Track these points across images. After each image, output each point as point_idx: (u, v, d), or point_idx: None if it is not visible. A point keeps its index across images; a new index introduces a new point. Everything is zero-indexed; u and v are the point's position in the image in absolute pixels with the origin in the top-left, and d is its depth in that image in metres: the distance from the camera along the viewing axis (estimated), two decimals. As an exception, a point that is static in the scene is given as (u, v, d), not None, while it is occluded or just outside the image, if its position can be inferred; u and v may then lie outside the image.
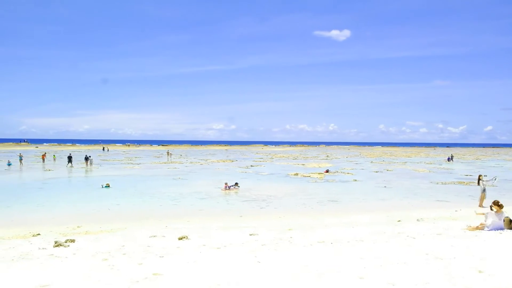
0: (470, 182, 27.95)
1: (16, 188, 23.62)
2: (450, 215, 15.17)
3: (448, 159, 59.34)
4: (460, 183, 28.02)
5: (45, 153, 56.30)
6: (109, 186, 23.71)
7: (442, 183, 27.97)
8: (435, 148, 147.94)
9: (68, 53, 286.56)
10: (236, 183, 23.75)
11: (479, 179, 18.32)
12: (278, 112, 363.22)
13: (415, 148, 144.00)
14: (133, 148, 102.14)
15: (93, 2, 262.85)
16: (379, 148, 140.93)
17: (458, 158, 67.00)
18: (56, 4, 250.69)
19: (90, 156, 45.21)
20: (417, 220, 13.86)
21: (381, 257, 7.92)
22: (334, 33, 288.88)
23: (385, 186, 25.87)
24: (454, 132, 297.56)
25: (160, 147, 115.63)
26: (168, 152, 66.86)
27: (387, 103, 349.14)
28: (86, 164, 42.68)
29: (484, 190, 17.86)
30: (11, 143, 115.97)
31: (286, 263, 7.62)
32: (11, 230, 12.35)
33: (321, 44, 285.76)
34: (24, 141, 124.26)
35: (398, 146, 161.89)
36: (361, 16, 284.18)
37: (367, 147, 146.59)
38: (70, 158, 43.46)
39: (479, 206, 17.35)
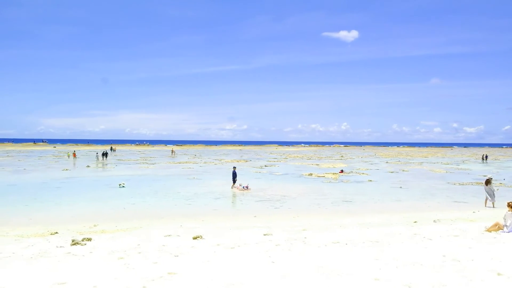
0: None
1: (34, 187, 24.09)
2: (468, 217, 14.90)
3: (483, 159, 58.74)
4: (478, 184, 27.48)
5: (74, 151, 63.84)
6: (124, 186, 24.01)
7: (459, 184, 27.50)
8: (452, 148, 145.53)
9: (84, 53, 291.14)
10: (247, 186, 23.72)
11: (488, 182, 18.28)
12: (291, 112, 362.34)
13: (432, 148, 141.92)
14: (143, 148, 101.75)
15: (109, 3, 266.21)
16: (395, 148, 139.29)
17: (476, 159, 65.78)
18: (74, 5, 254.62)
19: (107, 152, 54.32)
20: (434, 221, 13.65)
21: (396, 258, 7.83)
22: (344, 33, 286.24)
23: (400, 187, 25.56)
24: (470, 132, 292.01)
25: (175, 147, 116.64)
26: (172, 151, 67.99)
27: (399, 103, 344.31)
28: (103, 158, 50.45)
29: (493, 194, 18.03)
30: (30, 143, 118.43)
31: (300, 263, 7.59)
32: (30, 229, 12.61)
33: (335, 43, 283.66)
34: (42, 141, 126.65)
35: (414, 146, 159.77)
36: (374, 15, 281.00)
37: (382, 147, 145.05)
38: (106, 154, 53.89)
39: (487, 206, 17.90)
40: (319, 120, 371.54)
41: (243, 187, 23.37)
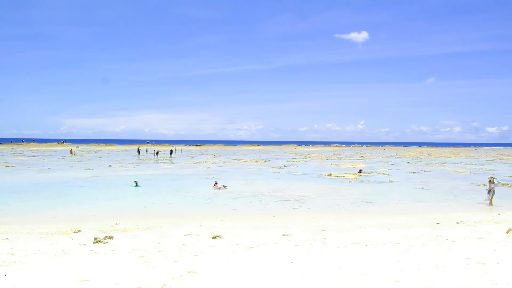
0: (514, 184, 26.65)
1: (58, 186, 24.68)
2: (493, 218, 14.50)
3: None
4: (503, 185, 26.72)
5: (139, 147, 75.22)
6: (137, 184, 24.12)
7: (483, 185, 26.76)
8: (476, 148, 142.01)
9: (106, 55, 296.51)
10: (224, 186, 23.97)
11: (491, 181, 18.68)
12: (307, 111, 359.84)
13: (454, 148, 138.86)
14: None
15: (130, 4, 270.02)
16: (416, 148, 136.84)
17: (502, 159, 63.98)
18: (94, 6, 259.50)
19: (172, 150, 67.08)
20: (457, 223, 13.34)
21: (418, 260, 7.69)
22: (363, 33, 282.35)
23: (422, 188, 25.09)
24: (491, 132, 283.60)
25: (194, 147, 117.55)
26: (173, 150, 68.75)
27: (416, 102, 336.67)
28: (170, 155, 62.07)
29: (493, 192, 18.45)
30: (54, 143, 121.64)
31: (319, 264, 7.55)
32: (54, 226, 12.93)
33: (352, 42, 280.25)
34: (63, 142, 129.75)
35: (436, 146, 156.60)
36: (392, 13, 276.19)
37: (403, 147, 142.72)
38: (171, 152, 66.01)
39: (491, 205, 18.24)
40: (335, 119, 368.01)
41: (222, 185, 23.68)
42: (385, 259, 7.87)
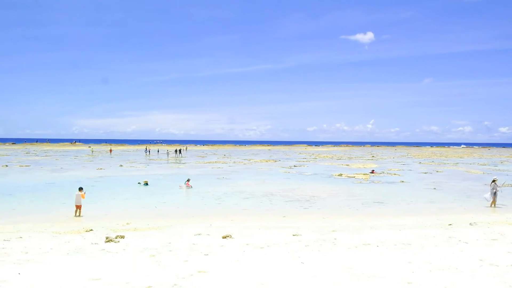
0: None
1: (71, 185, 24.95)
2: (507, 220, 14.27)
3: None
4: (506, 186, 26.29)
5: (147, 146, 78.04)
6: (147, 184, 24.41)
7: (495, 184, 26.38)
8: (489, 148, 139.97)
9: (117, 55, 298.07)
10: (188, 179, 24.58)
11: (493, 182, 18.68)
12: (315, 111, 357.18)
13: (467, 148, 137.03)
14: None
15: (143, 5, 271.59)
16: (428, 148, 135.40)
17: (515, 159, 62.95)
18: (107, 8, 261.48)
19: (181, 150, 68.40)
20: (470, 224, 13.16)
21: (430, 262, 7.61)
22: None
23: (434, 188, 24.81)
24: (504, 132, 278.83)
25: (204, 147, 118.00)
26: (177, 150, 68.79)
27: (426, 102, 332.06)
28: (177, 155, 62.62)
29: (495, 194, 18.37)
30: (67, 143, 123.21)
31: (330, 264, 7.51)
32: (67, 225, 13.09)
33: (366, 41, 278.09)
34: (75, 141, 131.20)
35: (449, 146, 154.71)
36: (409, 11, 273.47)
37: (415, 147, 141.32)
38: (179, 151, 66.50)
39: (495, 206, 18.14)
40: (344, 119, 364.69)
41: (185, 183, 24.18)
42: (396, 260, 7.80)
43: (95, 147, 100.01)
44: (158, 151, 74.56)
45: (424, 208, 17.95)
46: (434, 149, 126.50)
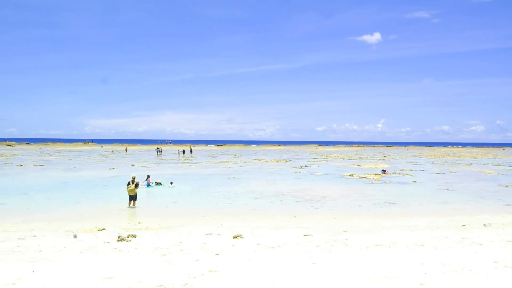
0: (545, 185, 25.70)
1: (84, 185, 25.28)
2: (522, 221, 14.03)
3: None
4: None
5: (158, 146, 78.86)
6: (161, 184, 24.62)
7: (512, 186, 25.96)
8: (504, 148, 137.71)
9: (129, 55, 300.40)
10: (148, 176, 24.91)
11: None
12: (325, 111, 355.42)
13: (481, 148, 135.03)
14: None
15: (154, 5, 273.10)
16: (441, 148, 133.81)
17: (531, 160, 61.82)
18: (119, 9, 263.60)
19: (185, 150, 69.87)
20: (484, 225, 12.97)
21: (443, 263, 7.52)
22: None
23: (447, 189, 24.50)
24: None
25: (215, 147, 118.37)
26: (184, 151, 69.22)
27: (436, 101, 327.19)
28: (183, 155, 64.77)
29: None
30: (80, 143, 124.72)
31: (341, 265, 7.47)
32: (80, 224, 13.25)
33: (379, 41, 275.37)
34: (86, 142, 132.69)
35: (462, 146, 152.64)
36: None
37: (427, 147, 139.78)
38: (186, 151, 68.91)
39: None
40: (354, 119, 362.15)
41: (155, 182, 24.86)
42: (408, 261, 7.73)
43: (109, 147, 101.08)
44: (160, 151, 72.83)
45: (437, 209, 17.74)
46: (447, 149, 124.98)
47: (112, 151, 79.38)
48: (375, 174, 33.17)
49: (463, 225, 12.95)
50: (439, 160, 59.39)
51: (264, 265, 7.56)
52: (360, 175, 32.39)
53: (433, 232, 11.46)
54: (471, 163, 51.11)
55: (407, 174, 34.08)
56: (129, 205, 17.25)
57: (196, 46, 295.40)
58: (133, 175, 18.33)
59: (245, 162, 49.53)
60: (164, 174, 31.84)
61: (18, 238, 10.44)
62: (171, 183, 24.73)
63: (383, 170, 35.78)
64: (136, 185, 17.44)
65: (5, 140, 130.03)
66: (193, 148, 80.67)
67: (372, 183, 27.46)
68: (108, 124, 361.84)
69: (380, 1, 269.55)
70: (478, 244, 9.34)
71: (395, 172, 35.64)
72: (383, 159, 60.37)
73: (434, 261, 7.69)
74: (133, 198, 17.33)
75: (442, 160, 57.95)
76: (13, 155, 60.46)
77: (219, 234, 11.21)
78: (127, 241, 10.07)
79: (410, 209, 17.68)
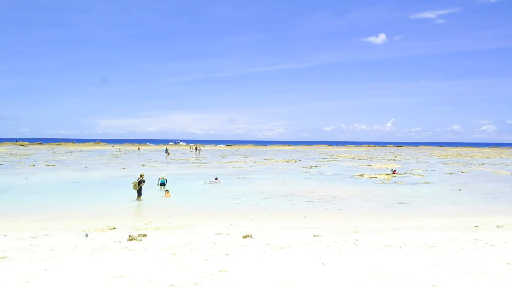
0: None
1: (95, 184, 25.55)
2: (536, 222, 13.79)
3: None
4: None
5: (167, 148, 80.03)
6: (165, 180, 22.70)
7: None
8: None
9: (140, 56, 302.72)
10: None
11: None
12: (333, 111, 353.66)
13: (494, 148, 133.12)
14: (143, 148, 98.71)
15: (165, 5, 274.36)
16: (452, 148, 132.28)
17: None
18: (130, 8, 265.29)
19: (199, 149, 76.48)
20: (497, 226, 12.78)
21: (455, 264, 7.43)
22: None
23: (459, 189, 24.21)
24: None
25: (224, 147, 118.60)
26: (196, 148, 71.06)
27: (447, 101, 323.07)
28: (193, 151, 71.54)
29: None
30: (91, 143, 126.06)
31: (351, 266, 7.43)
32: (91, 223, 13.38)
33: (390, 41, 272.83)
34: (95, 141, 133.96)
35: (474, 146, 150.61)
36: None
37: (438, 147, 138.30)
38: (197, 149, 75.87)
39: None
40: (363, 119, 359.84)
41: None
42: (420, 262, 7.65)
43: (119, 146, 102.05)
44: (196, 150, 79.19)
45: (449, 209, 17.54)
46: (459, 149, 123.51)
47: (120, 150, 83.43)
48: (386, 175, 32.92)
49: (476, 226, 12.78)
50: (451, 160, 58.73)
51: (274, 265, 7.55)
52: (370, 175, 32.18)
53: (445, 233, 11.33)
54: (483, 164, 50.42)
55: (418, 175, 33.76)
56: (137, 198, 19.06)
57: (206, 46, 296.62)
58: (141, 173, 20.28)
59: (254, 162, 49.54)
60: (174, 174, 31.99)
61: (31, 237, 10.59)
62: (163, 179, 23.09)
63: (393, 170, 35.50)
64: (139, 183, 19.17)
65: (18, 140, 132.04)
66: (202, 148, 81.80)
67: (382, 183, 27.26)
68: (118, 124, 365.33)
69: (390, 0, 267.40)
70: (491, 246, 9.21)
71: (406, 173, 35.34)
72: (394, 159, 59.88)
73: (446, 262, 7.61)
74: (139, 192, 19.14)
75: (454, 160, 57.29)
76: (26, 155, 61.32)
77: (228, 234, 11.23)
78: (137, 241, 10.15)
79: (422, 209, 17.51)
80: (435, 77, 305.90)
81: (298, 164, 47.61)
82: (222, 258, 8.18)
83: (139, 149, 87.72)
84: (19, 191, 21.80)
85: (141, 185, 19.17)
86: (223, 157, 63.54)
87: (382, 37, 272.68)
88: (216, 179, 26.97)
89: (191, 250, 9.00)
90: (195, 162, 48.99)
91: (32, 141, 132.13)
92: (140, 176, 19.70)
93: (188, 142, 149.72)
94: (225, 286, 6.32)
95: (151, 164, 45.14)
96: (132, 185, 19.37)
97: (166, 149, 74.68)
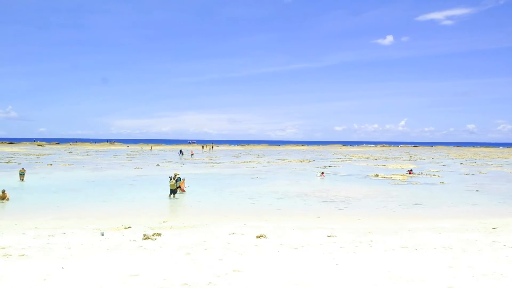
0: None
1: (110, 184, 25.88)
2: (557, 224, 13.45)
3: None
4: None
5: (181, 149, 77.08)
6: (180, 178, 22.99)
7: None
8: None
9: (154, 56, 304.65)
10: None
11: None
12: (345, 111, 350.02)
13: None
14: (155, 148, 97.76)
15: (179, 5, 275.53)
16: (470, 148, 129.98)
17: None
18: (145, 8, 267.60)
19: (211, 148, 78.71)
20: (516, 228, 12.51)
21: (472, 266, 7.30)
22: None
23: (477, 190, 23.77)
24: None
25: (238, 147, 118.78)
26: (208, 146, 72.17)
27: (459, 101, 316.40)
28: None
29: None
30: (106, 143, 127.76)
31: (366, 267, 7.36)
32: (107, 222, 13.55)
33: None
34: (109, 141, 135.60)
35: (492, 146, 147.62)
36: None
37: (455, 147, 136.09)
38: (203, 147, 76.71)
39: None
40: (376, 119, 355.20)
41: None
42: (436, 264, 7.54)
43: (134, 146, 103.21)
44: (208, 149, 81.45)
45: (466, 210, 17.24)
46: (476, 149, 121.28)
47: (142, 149, 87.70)
48: (401, 175, 32.53)
49: (494, 228, 12.53)
50: (468, 160, 57.72)
51: (288, 265, 7.53)
52: (385, 176, 31.84)
53: (462, 234, 11.14)
54: (501, 164, 49.41)
55: (434, 175, 33.27)
56: (170, 196, 19.62)
57: (220, 46, 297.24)
58: (176, 172, 21.24)
59: (268, 162, 49.51)
60: (188, 174, 32.21)
61: (48, 235, 10.78)
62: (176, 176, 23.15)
63: (409, 170, 35.05)
64: (176, 181, 19.85)
65: (36, 140, 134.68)
66: (216, 148, 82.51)
67: (397, 184, 26.95)
68: (132, 124, 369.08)
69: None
70: (510, 248, 9.02)
71: (421, 173, 34.86)
72: (409, 160, 59.14)
73: (462, 264, 7.48)
74: (173, 191, 19.65)
75: (471, 161, 56.29)
76: (44, 154, 62.48)
77: (242, 234, 11.24)
78: (152, 240, 10.24)
79: (438, 210, 17.25)
80: (448, 76, 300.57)
81: (312, 164, 47.40)
82: (236, 258, 8.19)
83: (151, 148, 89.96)
84: (37, 190, 22.23)
85: (177, 183, 19.97)
86: (237, 157, 63.66)
87: (399, 35, 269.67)
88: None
89: (205, 249, 9.04)
90: (209, 162, 49.20)
91: (49, 141, 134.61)
92: (175, 175, 20.48)
93: (198, 142, 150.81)
94: (239, 286, 6.33)
95: (165, 163, 45.50)
96: (169, 185, 19.81)
97: (180, 150, 74.50)
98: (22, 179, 26.12)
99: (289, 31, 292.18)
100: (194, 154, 65.79)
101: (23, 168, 27.70)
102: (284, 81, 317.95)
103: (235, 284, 6.42)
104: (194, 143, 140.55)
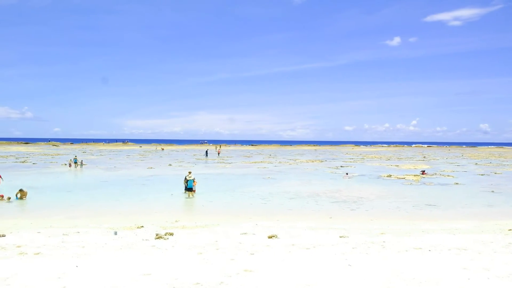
0: None
1: (123, 183, 26.15)
2: None
3: None
4: None
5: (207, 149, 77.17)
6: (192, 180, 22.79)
7: None
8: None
9: (167, 56, 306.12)
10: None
11: None
12: (361, 111, 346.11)
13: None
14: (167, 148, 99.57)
15: (191, 5, 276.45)
16: (485, 148, 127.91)
17: None
18: (157, 9, 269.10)
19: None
20: (533, 230, 12.26)
21: (488, 269, 7.18)
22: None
23: (493, 191, 23.37)
24: None
25: (250, 147, 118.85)
26: (215, 146, 72.91)
27: (471, 100, 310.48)
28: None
29: None
30: (119, 143, 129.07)
31: (378, 268, 7.30)
32: (120, 221, 13.68)
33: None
34: (122, 141, 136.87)
35: (508, 147, 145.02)
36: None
37: (469, 148, 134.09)
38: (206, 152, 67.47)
39: None
40: (385, 119, 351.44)
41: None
42: (450, 266, 7.43)
43: (147, 146, 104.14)
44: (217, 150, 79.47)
45: (481, 212, 16.97)
46: (491, 149, 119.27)
47: (156, 149, 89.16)
48: (414, 175, 32.17)
49: (510, 230, 12.29)
50: (483, 160, 56.81)
51: (299, 265, 7.51)
52: (398, 176, 31.53)
53: (477, 236, 10.96)
54: (518, 164, 48.50)
55: (448, 175, 32.82)
56: (188, 195, 20.05)
57: (233, 46, 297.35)
58: (189, 171, 21.52)
59: (280, 162, 49.45)
60: (200, 174, 32.36)
61: (63, 234, 10.94)
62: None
63: (422, 170, 34.64)
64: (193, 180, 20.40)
65: (51, 140, 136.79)
66: (228, 148, 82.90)
67: (411, 184, 26.65)
68: (145, 125, 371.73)
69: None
70: (527, 250, 8.85)
71: (435, 173, 34.42)
72: (423, 160, 58.46)
73: (478, 266, 7.36)
74: (190, 189, 20.10)
75: (487, 161, 55.38)
76: (58, 154, 63.43)
77: (254, 234, 11.25)
78: (164, 239, 10.31)
79: (452, 211, 17.01)
80: (460, 75, 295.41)
81: (324, 164, 47.19)
82: (247, 257, 8.20)
83: (163, 149, 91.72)
84: (51, 189, 22.57)
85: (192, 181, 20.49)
86: (248, 157, 63.71)
87: (410, 35, 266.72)
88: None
89: (217, 249, 9.07)
90: (220, 162, 49.35)
91: (63, 141, 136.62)
92: (189, 173, 20.99)
93: (209, 142, 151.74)
94: (250, 286, 6.33)
95: (177, 163, 45.79)
96: (184, 183, 20.54)
97: (206, 150, 72.37)
98: (76, 167, 26.94)
99: (301, 31, 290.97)
100: (209, 155, 65.54)
101: (75, 156, 28.55)
102: (295, 80, 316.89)
103: (246, 284, 6.42)
104: (206, 143, 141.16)
